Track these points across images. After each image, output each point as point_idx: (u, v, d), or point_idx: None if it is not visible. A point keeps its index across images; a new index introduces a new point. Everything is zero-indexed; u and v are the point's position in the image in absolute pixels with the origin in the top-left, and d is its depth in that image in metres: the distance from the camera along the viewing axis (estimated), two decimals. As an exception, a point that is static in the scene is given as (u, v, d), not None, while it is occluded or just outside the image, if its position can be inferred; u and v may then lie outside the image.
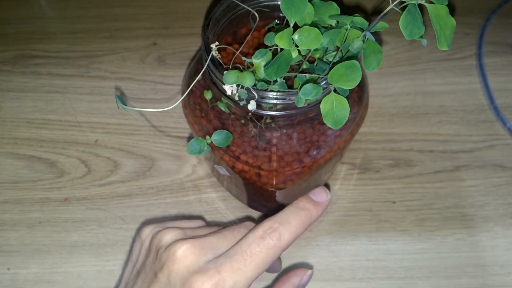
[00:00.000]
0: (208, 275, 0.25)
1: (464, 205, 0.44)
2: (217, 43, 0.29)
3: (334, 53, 0.29)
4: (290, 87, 0.29)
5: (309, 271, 0.33)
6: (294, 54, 0.27)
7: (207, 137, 0.30)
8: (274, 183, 0.34)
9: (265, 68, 0.26)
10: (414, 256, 0.41)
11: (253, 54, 0.27)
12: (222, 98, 0.30)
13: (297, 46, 0.26)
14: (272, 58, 0.26)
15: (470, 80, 0.52)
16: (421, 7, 0.23)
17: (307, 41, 0.26)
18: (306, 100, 0.27)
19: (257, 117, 0.31)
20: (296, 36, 0.26)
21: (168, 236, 0.28)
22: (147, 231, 0.30)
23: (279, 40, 0.26)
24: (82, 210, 0.44)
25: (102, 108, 0.50)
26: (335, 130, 0.33)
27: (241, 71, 0.27)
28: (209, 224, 0.33)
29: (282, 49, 0.26)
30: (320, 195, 0.29)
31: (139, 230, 0.33)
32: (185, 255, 0.26)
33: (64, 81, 0.52)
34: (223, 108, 0.32)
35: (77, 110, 0.50)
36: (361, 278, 0.40)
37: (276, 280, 0.33)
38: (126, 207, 0.44)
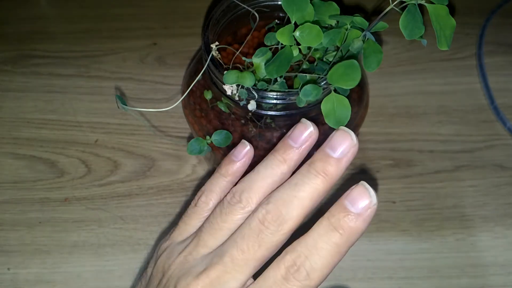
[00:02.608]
0: None
1: (464, 205, 0.44)
2: (217, 43, 0.29)
3: (334, 53, 0.29)
4: (290, 87, 0.29)
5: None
6: (295, 52, 0.27)
7: (207, 137, 0.30)
8: (274, 183, 0.34)
9: (266, 65, 0.26)
10: (414, 256, 0.41)
11: (253, 54, 0.27)
12: (222, 98, 0.30)
13: (298, 44, 0.26)
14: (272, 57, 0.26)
15: (470, 80, 0.52)
16: (421, 7, 0.23)
17: (308, 38, 0.26)
18: (306, 100, 0.27)
19: (257, 117, 0.31)
20: (297, 33, 0.26)
21: (182, 281, 0.24)
22: (164, 257, 0.27)
23: (281, 36, 0.25)
24: (82, 210, 0.44)
25: (102, 108, 0.50)
26: (335, 130, 0.33)
27: (241, 71, 0.27)
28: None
29: (282, 48, 0.26)
30: (362, 201, 0.20)
31: (158, 246, 0.29)
32: None
33: (64, 81, 0.52)
34: (223, 108, 0.32)
35: (77, 110, 0.50)
36: (361, 278, 0.40)
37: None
38: (126, 207, 0.44)
